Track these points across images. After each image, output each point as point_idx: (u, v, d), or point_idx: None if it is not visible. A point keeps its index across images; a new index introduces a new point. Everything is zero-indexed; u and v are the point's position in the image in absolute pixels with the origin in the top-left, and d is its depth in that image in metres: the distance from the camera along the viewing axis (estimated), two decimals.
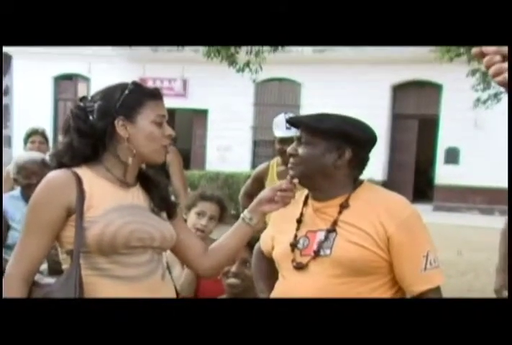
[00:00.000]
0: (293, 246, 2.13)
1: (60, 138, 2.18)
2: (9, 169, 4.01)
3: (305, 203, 2.21)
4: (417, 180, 17.52)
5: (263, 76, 12.63)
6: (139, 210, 2.08)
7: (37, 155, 3.97)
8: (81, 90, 20.72)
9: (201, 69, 16.99)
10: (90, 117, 2.05)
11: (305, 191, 2.24)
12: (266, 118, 16.65)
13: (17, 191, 3.93)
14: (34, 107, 19.10)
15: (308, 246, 2.10)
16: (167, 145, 2.11)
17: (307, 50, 16.98)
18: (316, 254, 2.07)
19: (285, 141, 3.99)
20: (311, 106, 15.95)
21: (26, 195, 3.68)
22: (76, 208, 1.97)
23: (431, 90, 17.46)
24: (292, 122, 2.29)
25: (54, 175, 2.06)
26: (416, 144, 17.73)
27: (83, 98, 2.13)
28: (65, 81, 21.00)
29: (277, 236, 2.27)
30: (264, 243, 2.40)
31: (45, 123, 17.57)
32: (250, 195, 4.58)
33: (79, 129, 2.05)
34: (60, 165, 2.07)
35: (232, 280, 2.84)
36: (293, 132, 2.22)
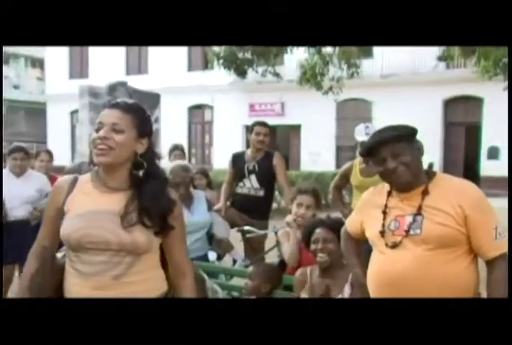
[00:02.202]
0: (383, 233, 2.04)
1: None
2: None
3: (389, 194, 2.10)
4: (465, 173, 16.92)
5: (342, 97, 12.53)
6: (107, 216, 1.74)
7: (181, 162, 4.09)
8: (207, 116, 21.23)
9: (295, 94, 17.05)
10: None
11: (387, 184, 2.11)
12: (346, 129, 16.54)
13: None
14: (175, 130, 19.68)
15: (399, 228, 2.01)
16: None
17: (375, 76, 17.03)
18: (407, 233, 1.98)
19: None
20: (380, 119, 15.68)
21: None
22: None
23: (475, 102, 16.86)
24: (374, 145, 2.03)
25: (59, 179, 1.89)
26: (464, 145, 17.28)
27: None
28: (195, 110, 21.55)
29: (366, 220, 2.17)
30: (351, 226, 2.31)
31: (183, 140, 18.09)
32: (339, 188, 4.61)
33: None
34: None
35: (321, 255, 2.76)
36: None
